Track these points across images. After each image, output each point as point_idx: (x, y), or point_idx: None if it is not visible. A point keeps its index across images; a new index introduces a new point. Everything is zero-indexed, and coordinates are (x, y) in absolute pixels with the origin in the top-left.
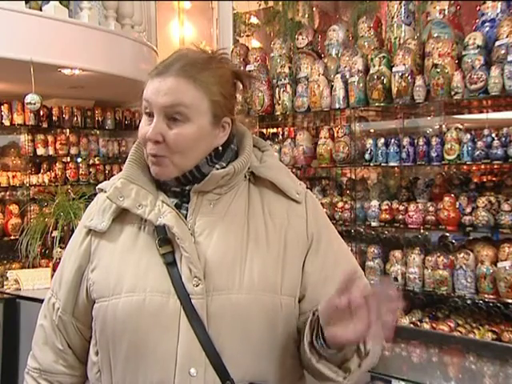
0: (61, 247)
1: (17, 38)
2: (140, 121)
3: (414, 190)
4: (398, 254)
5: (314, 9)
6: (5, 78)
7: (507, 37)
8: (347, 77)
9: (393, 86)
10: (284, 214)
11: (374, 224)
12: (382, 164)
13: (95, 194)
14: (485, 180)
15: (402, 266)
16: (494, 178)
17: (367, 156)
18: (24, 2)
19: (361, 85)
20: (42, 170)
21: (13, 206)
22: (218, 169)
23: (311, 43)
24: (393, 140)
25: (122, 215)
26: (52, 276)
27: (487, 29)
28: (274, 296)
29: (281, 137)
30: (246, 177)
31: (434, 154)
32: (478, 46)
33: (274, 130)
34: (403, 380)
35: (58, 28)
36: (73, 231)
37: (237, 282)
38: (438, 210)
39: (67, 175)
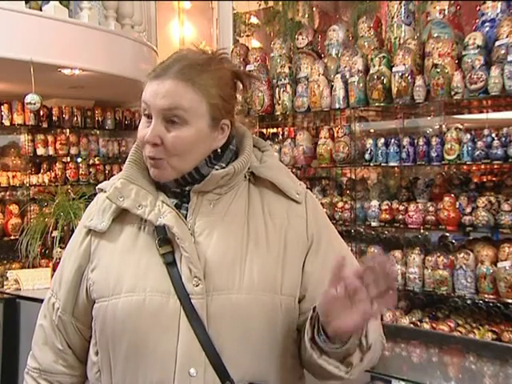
0: (61, 247)
1: (17, 38)
2: (140, 121)
3: (414, 189)
4: (398, 254)
5: (314, 9)
6: (5, 77)
7: (507, 37)
8: (347, 77)
9: (393, 85)
10: (284, 214)
11: (374, 224)
12: (382, 164)
13: (95, 194)
14: (485, 180)
15: (402, 266)
16: (494, 178)
17: (367, 156)
18: (24, 2)
19: (361, 85)
20: (41, 170)
21: (13, 206)
22: (217, 169)
23: (311, 43)
24: (393, 140)
25: (121, 215)
26: (52, 276)
27: (487, 29)
28: (273, 296)
29: (281, 137)
30: (245, 177)
31: (433, 154)
32: (478, 46)
33: (274, 130)
34: (403, 380)
35: (57, 28)
36: (73, 231)
37: (237, 282)
38: (438, 210)
39: (67, 175)
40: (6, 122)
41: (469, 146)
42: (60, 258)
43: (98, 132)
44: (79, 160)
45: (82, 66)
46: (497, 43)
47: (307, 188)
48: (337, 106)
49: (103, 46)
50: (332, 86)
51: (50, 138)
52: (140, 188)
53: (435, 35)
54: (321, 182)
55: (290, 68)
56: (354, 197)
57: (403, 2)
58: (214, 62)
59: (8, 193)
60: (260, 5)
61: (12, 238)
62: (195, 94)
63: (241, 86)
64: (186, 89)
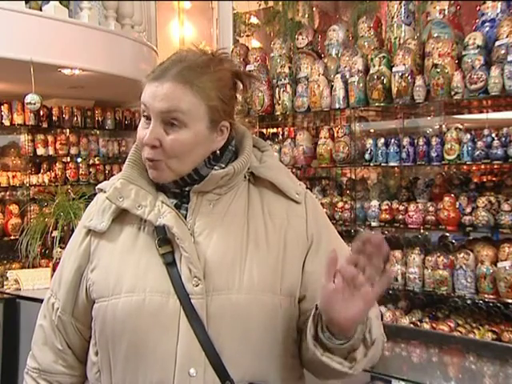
0: (61, 247)
1: (17, 38)
2: (140, 121)
3: (414, 190)
4: (397, 254)
5: (314, 9)
6: (5, 77)
7: (507, 37)
8: (347, 77)
9: (393, 86)
10: (284, 214)
11: (373, 224)
12: (382, 164)
13: (95, 194)
14: (485, 180)
15: (402, 266)
16: (494, 178)
17: (367, 156)
18: (24, 2)
19: (361, 85)
20: (42, 170)
21: (13, 206)
22: (217, 170)
23: (311, 43)
24: (393, 140)
25: (121, 215)
26: (52, 276)
27: (487, 29)
28: (273, 296)
29: (281, 137)
30: (245, 177)
31: (434, 154)
32: (478, 46)
33: (274, 130)
34: (403, 380)
35: (57, 28)
36: (73, 231)
37: (236, 282)
38: (438, 210)
39: (67, 175)
40: (6, 122)
41: (469, 145)
42: (60, 258)
43: (98, 132)
44: (79, 160)
45: (82, 66)
46: (497, 43)
47: (307, 188)
48: (337, 106)
49: (103, 46)
50: (332, 85)
51: (50, 138)
52: (140, 188)
53: (435, 35)
54: (321, 181)
55: (290, 68)
56: (354, 197)
57: (403, 1)
58: (214, 64)
59: (8, 193)
60: (260, 5)
61: (12, 238)
62: (194, 96)
63: (241, 86)
64: (184, 91)
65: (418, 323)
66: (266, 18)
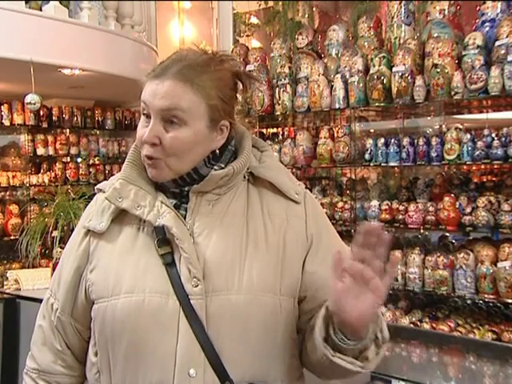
0: (61, 247)
1: (17, 38)
2: (139, 120)
3: (414, 190)
4: (398, 253)
5: (314, 9)
6: (5, 77)
7: (507, 37)
8: (347, 77)
9: (393, 85)
10: (283, 214)
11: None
12: (382, 164)
13: (95, 194)
14: (485, 180)
15: (402, 265)
16: (494, 178)
17: (367, 156)
18: (24, 2)
19: (361, 85)
20: (42, 170)
21: (13, 206)
22: (216, 170)
23: (311, 43)
24: (393, 140)
25: (120, 216)
26: (52, 276)
27: (487, 29)
28: (273, 296)
29: (281, 137)
30: (245, 177)
31: (434, 154)
32: (478, 46)
33: (274, 130)
34: (403, 380)
35: (57, 28)
36: (73, 231)
37: (236, 283)
38: (438, 210)
39: (67, 175)
40: (6, 122)
41: (469, 145)
42: (60, 258)
43: (98, 132)
44: (79, 160)
45: (81, 66)
46: (497, 43)
47: (307, 188)
48: (337, 106)
49: (103, 46)
50: (332, 86)
51: (50, 138)
52: (139, 188)
53: (435, 35)
54: (321, 181)
55: (290, 68)
56: (354, 197)
57: (403, 1)
58: (214, 63)
59: (8, 193)
60: (260, 5)
61: (12, 238)
62: (194, 94)
63: (241, 86)
64: (184, 89)
65: (418, 323)
66: (266, 18)
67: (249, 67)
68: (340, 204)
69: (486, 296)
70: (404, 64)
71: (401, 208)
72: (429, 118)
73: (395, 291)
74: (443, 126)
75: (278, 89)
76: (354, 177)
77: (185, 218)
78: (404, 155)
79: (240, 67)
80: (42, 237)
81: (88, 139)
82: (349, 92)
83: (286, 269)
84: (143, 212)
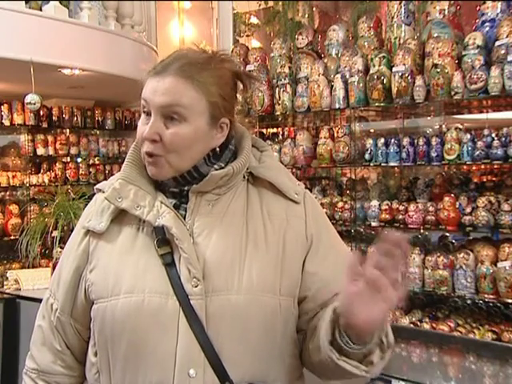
0: (61, 247)
1: (17, 38)
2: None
3: (414, 190)
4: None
5: (314, 9)
6: (5, 77)
7: (507, 37)
8: (347, 77)
9: (393, 85)
10: (283, 214)
11: (374, 224)
12: (382, 164)
13: (95, 194)
14: (485, 180)
15: (402, 266)
16: (494, 178)
17: (367, 156)
18: (24, 2)
19: (361, 85)
20: (42, 170)
21: (13, 206)
22: (216, 169)
23: (311, 43)
24: (393, 140)
25: (120, 216)
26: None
27: (487, 29)
28: (272, 296)
29: (281, 137)
30: (244, 177)
31: (434, 154)
32: (478, 46)
33: (274, 130)
34: (403, 380)
35: (57, 28)
36: (73, 231)
37: (236, 283)
38: (438, 210)
39: (67, 175)
40: (6, 122)
41: (469, 145)
42: (60, 258)
43: (97, 132)
44: (79, 160)
45: (82, 66)
46: (497, 43)
47: (307, 188)
48: (337, 106)
49: (103, 46)
50: (332, 86)
51: (50, 138)
52: (138, 188)
53: (435, 35)
54: (321, 181)
55: (290, 68)
56: (354, 197)
57: (403, 1)
58: (215, 61)
59: (8, 193)
60: (260, 5)
61: (12, 238)
62: (195, 91)
63: (241, 86)
64: (185, 86)
65: (418, 323)
66: (266, 18)
67: (249, 67)
68: (340, 204)
69: (486, 296)
70: (404, 64)
71: (401, 208)
72: (429, 118)
73: None
74: (443, 126)
75: (278, 89)
76: (354, 177)
77: (184, 218)
78: (404, 155)
79: (240, 67)
80: (41, 237)
81: (88, 139)
82: (349, 92)
83: (286, 269)
84: (143, 212)
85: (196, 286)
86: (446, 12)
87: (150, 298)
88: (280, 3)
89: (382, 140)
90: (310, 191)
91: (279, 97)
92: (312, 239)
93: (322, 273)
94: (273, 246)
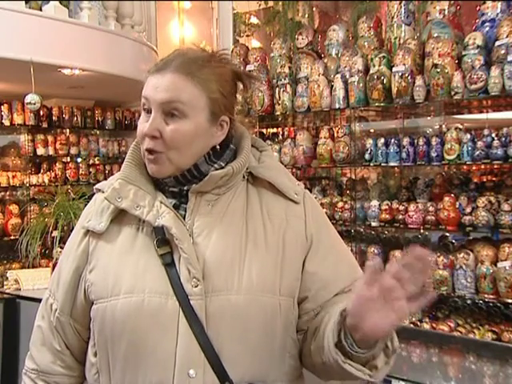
0: (61, 247)
1: (17, 38)
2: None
3: (414, 190)
4: (397, 253)
5: (314, 9)
6: (5, 77)
7: (507, 37)
8: (347, 77)
9: (393, 85)
10: (282, 214)
11: (374, 224)
12: (382, 164)
13: (94, 194)
14: (485, 180)
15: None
16: (494, 178)
17: (367, 156)
18: (24, 2)
19: (361, 85)
20: (42, 170)
21: (13, 206)
22: (216, 169)
23: (311, 43)
24: (393, 140)
25: (120, 216)
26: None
27: (487, 29)
28: (272, 297)
29: (281, 137)
30: (244, 177)
31: (434, 154)
32: (478, 46)
33: (274, 130)
34: (403, 380)
35: (58, 28)
36: (72, 231)
37: (235, 283)
38: (438, 210)
39: (67, 175)
40: (6, 122)
41: (469, 145)
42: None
43: (97, 132)
44: (79, 160)
45: (82, 66)
46: (497, 43)
47: (307, 188)
48: (337, 106)
49: (103, 46)
50: (332, 86)
51: (50, 138)
52: (138, 188)
53: (435, 35)
54: (321, 181)
55: (290, 68)
56: (354, 197)
57: (403, 1)
58: (215, 60)
59: (8, 193)
60: (260, 5)
61: (12, 238)
62: (195, 87)
63: (241, 86)
64: (186, 82)
65: (418, 323)
66: (266, 18)
67: (249, 67)
68: (340, 204)
69: (486, 296)
70: (404, 64)
71: (401, 208)
72: (429, 118)
73: None
74: (443, 126)
75: (278, 89)
76: (354, 177)
77: (184, 218)
78: (404, 155)
79: (240, 67)
80: (41, 237)
81: (88, 139)
82: (349, 92)
83: (286, 269)
84: (142, 212)
85: (196, 286)
86: (446, 12)
87: (149, 298)
88: (280, 3)
89: (382, 140)
90: (310, 191)
91: (279, 97)
92: (312, 239)
93: (322, 273)
94: (272, 246)
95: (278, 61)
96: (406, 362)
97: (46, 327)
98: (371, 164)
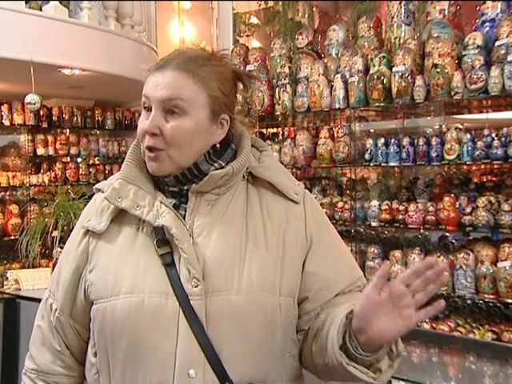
0: (61, 247)
1: (17, 38)
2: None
3: (414, 190)
4: (397, 253)
5: (314, 9)
6: (5, 77)
7: (507, 37)
8: (347, 77)
9: (393, 85)
10: (282, 214)
11: (374, 224)
12: (382, 164)
13: (94, 194)
14: (485, 180)
15: (402, 265)
16: (494, 178)
17: (367, 156)
18: (24, 2)
19: (361, 85)
20: (42, 170)
21: (13, 206)
22: (216, 168)
23: (311, 43)
24: (393, 140)
25: (120, 216)
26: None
27: (487, 29)
28: (272, 297)
29: (281, 137)
30: (244, 177)
31: (434, 154)
32: (478, 46)
33: (274, 130)
34: (403, 380)
35: (58, 28)
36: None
37: (235, 283)
38: (438, 210)
39: (67, 175)
40: (6, 122)
41: (469, 145)
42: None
43: (97, 132)
44: (79, 160)
45: (82, 66)
46: (497, 43)
47: (307, 188)
48: (337, 106)
49: (103, 46)
50: (332, 86)
51: (50, 138)
52: (138, 188)
53: (435, 35)
54: (321, 181)
55: (290, 68)
56: (354, 197)
57: (403, 1)
58: (215, 58)
59: (8, 193)
60: (260, 5)
61: (12, 238)
62: (195, 85)
63: (241, 86)
64: (186, 80)
65: (418, 323)
66: (266, 18)
67: (249, 67)
68: (340, 204)
69: (486, 296)
70: (404, 64)
71: (401, 208)
72: (429, 118)
73: None
74: (443, 126)
75: (278, 89)
76: (354, 177)
77: (184, 218)
78: (404, 155)
79: (240, 68)
80: (41, 237)
81: (88, 139)
82: (349, 92)
83: (286, 269)
84: (142, 212)
85: (196, 287)
86: (446, 12)
87: (149, 299)
88: (280, 3)
89: (382, 140)
90: (310, 191)
91: (279, 97)
92: (312, 239)
93: (323, 273)
94: (272, 246)
95: (278, 61)
96: (405, 362)
97: (46, 327)
98: (371, 164)
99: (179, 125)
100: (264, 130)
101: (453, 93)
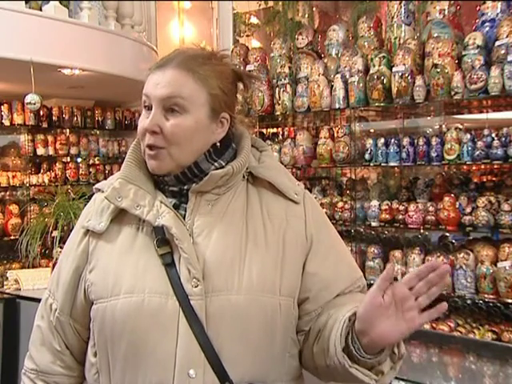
0: (61, 247)
1: (17, 38)
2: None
3: (414, 190)
4: (397, 254)
5: (314, 9)
6: (5, 77)
7: (507, 37)
8: (347, 77)
9: (393, 86)
10: (282, 214)
11: (374, 224)
12: (382, 164)
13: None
14: (485, 180)
15: (402, 266)
16: (494, 178)
17: (367, 156)
18: (24, 2)
19: (361, 85)
20: (42, 170)
21: (13, 206)
22: (216, 167)
23: (311, 43)
24: (393, 140)
25: (120, 216)
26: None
27: (487, 29)
28: (272, 297)
29: (281, 137)
30: (244, 177)
31: (434, 154)
32: (478, 46)
33: (274, 130)
34: (403, 380)
35: (58, 28)
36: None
37: (236, 283)
38: (438, 210)
39: (67, 175)
40: (6, 122)
41: (469, 145)
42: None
43: (97, 132)
44: (79, 160)
45: (82, 66)
46: (497, 43)
47: (307, 188)
48: (337, 106)
49: (103, 46)
50: (332, 86)
51: (50, 138)
52: (138, 188)
53: (435, 35)
54: (321, 181)
55: (290, 68)
56: (354, 197)
57: (403, 1)
58: (215, 57)
59: (8, 193)
60: (260, 5)
61: (12, 238)
62: (196, 83)
63: (241, 86)
64: (186, 78)
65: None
66: (266, 18)
67: (249, 67)
68: (340, 204)
69: (486, 296)
70: (404, 64)
71: (401, 208)
72: (429, 118)
73: None
74: (443, 126)
75: (278, 89)
76: (354, 177)
77: (184, 218)
78: (404, 155)
79: (240, 67)
80: (41, 237)
81: (88, 139)
82: (349, 92)
83: (286, 269)
84: (142, 212)
85: (196, 287)
86: (446, 12)
87: (149, 299)
88: (280, 3)
89: (382, 140)
90: (310, 191)
91: (279, 97)
92: (312, 239)
93: (323, 273)
94: (273, 246)
95: (278, 61)
96: (406, 362)
97: (46, 327)
98: (371, 164)
99: (179, 123)
100: (264, 130)
101: (453, 93)
